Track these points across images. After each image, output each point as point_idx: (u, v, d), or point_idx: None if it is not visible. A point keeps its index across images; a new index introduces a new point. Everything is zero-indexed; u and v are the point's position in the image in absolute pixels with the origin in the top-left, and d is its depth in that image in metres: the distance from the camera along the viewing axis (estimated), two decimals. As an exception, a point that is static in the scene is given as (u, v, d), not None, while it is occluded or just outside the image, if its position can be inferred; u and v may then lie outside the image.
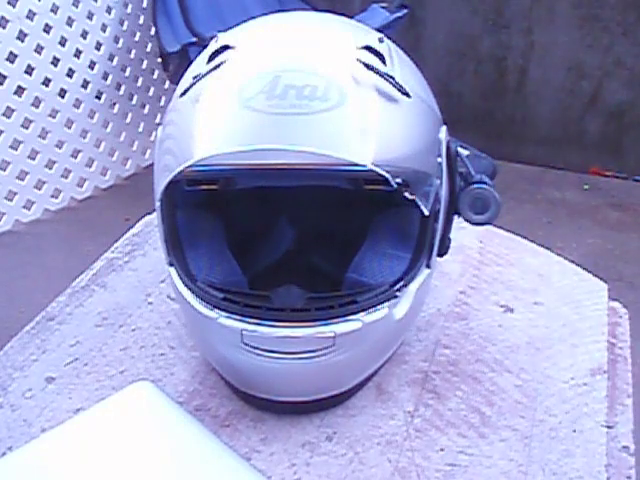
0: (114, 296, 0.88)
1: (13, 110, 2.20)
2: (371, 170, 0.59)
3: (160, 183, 0.65)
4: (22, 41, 2.18)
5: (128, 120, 2.55)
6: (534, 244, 1.00)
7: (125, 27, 2.47)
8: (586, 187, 2.60)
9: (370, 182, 0.65)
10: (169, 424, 0.56)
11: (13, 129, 2.21)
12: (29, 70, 2.22)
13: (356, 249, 0.73)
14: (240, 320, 0.64)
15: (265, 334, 0.63)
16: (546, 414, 0.71)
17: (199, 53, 0.71)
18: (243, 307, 0.64)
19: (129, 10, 2.47)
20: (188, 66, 0.71)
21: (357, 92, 0.62)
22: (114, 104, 2.50)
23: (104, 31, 2.41)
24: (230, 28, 0.72)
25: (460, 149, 0.71)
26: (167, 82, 2.60)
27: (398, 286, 0.67)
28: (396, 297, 0.67)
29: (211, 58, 0.67)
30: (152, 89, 2.61)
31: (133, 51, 2.52)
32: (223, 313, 0.64)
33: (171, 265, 0.70)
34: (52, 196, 2.37)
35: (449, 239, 0.73)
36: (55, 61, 2.29)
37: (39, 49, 2.23)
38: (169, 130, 0.68)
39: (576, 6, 2.49)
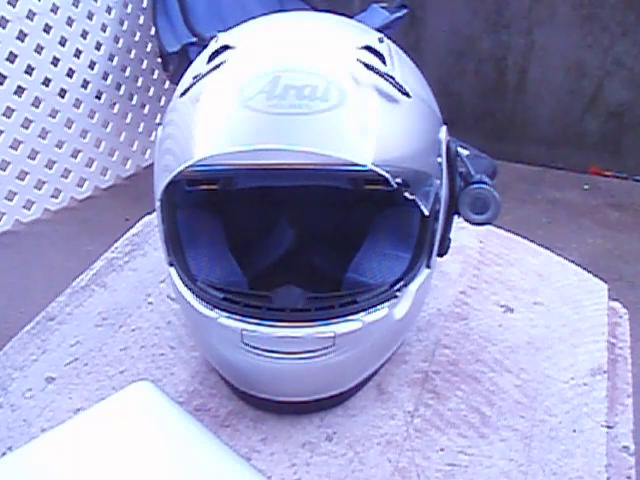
0: (114, 296, 0.88)
1: (13, 110, 2.19)
2: (371, 170, 0.59)
3: (160, 183, 0.65)
4: (22, 41, 2.18)
5: (128, 120, 2.55)
6: (534, 244, 1.00)
7: (125, 27, 2.47)
8: (586, 187, 2.60)
9: (370, 182, 0.65)
10: (169, 424, 0.56)
11: (13, 129, 2.20)
12: (29, 70, 2.22)
13: (356, 249, 0.73)
14: (240, 320, 0.64)
15: (265, 334, 0.63)
16: (546, 414, 0.71)
17: (199, 53, 0.71)
18: (243, 307, 0.64)
19: (129, 10, 2.47)
20: (188, 66, 0.71)
21: (357, 92, 0.62)
22: (114, 104, 2.49)
23: (104, 31, 2.41)
24: (230, 28, 0.72)
25: (460, 149, 0.71)
26: (167, 82, 2.60)
27: (398, 286, 0.67)
28: (396, 297, 0.67)
29: (211, 58, 0.67)
30: (152, 89, 2.61)
31: (133, 51, 2.52)
32: (223, 313, 0.64)
33: (171, 265, 0.70)
34: (52, 196, 2.37)
35: (449, 239, 0.73)
36: (55, 61, 2.28)
37: (39, 49, 2.23)
38: (169, 130, 0.68)
39: (576, 6, 2.49)
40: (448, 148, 0.70)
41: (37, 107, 2.26)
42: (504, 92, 2.71)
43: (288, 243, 0.82)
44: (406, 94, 0.64)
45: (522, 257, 0.97)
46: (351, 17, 0.80)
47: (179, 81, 0.70)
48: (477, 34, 2.65)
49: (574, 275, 0.94)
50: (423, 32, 2.71)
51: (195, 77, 0.66)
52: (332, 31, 0.72)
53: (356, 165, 0.59)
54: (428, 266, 0.70)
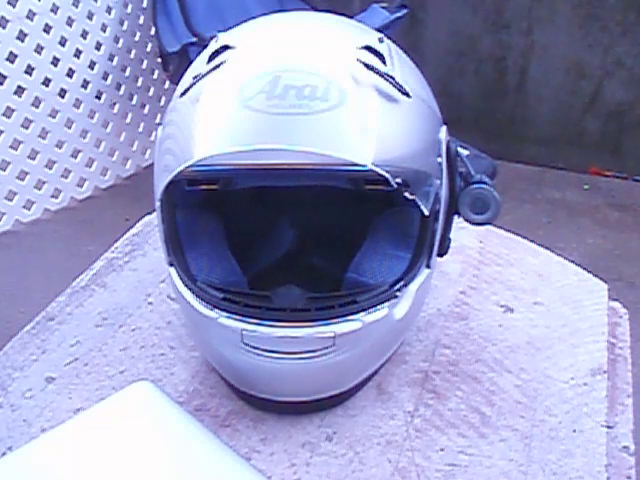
0: (114, 296, 0.88)
1: (13, 110, 2.19)
2: (371, 170, 0.59)
3: (160, 183, 0.65)
4: (22, 41, 2.18)
5: (128, 120, 2.55)
6: (534, 244, 1.00)
7: (125, 27, 2.47)
8: (586, 187, 2.60)
9: (370, 182, 0.65)
10: (169, 424, 0.56)
11: (13, 129, 2.20)
12: (29, 70, 2.22)
13: (356, 249, 0.73)
14: (240, 320, 0.64)
15: (265, 334, 0.63)
16: (546, 414, 0.71)
17: (199, 53, 0.71)
18: (243, 307, 0.64)
19: (129, 10, 2.47)
20: (188, 66, 0.71)
21: (357, 92, 0.62)
22: (114, 104, 2.49)
23: (104, 31, 2.41)
24: (230, 28, 0.72)
25: (460, 149, 0.71)
26: (167, 82, 2.60)
27: (398, 286, 0.67)
28: (396, 297, 0.67)
29: (211, 58, 0.67)
30: (152, 89, 2.61)
31: (133, 51, 2.52)
32: (223, 313, 0.64)
33: (171, 265, 0.70)
34: (52, 196, 2.37)
35: (449, 239, 0.73)
36: (55, 61, 2.28)
37: (39, 49, 2.23)
38: (169, 130, 0.68)
39: (576, 6, 2.49)
40: (448, 148, 0.70)
41: (37, 107, 2.26)
42: (504, 92, 2.71)
43: (288, 243, 0.82)
44: (406, 94, 0.64)
45: (522, 257, 0.97)
46: (351, 17, 0.80)
47: (179, 81, 0.70)
48: (477, 34, 2.65)
49: (574, 275, 0.94)
50: (423, 32, 2.71)
51: (195, 77, 0.66)
52: (332, 31, 0.72)
53: (356, 165, 0.59)
54: (428, 266, 0.70)
